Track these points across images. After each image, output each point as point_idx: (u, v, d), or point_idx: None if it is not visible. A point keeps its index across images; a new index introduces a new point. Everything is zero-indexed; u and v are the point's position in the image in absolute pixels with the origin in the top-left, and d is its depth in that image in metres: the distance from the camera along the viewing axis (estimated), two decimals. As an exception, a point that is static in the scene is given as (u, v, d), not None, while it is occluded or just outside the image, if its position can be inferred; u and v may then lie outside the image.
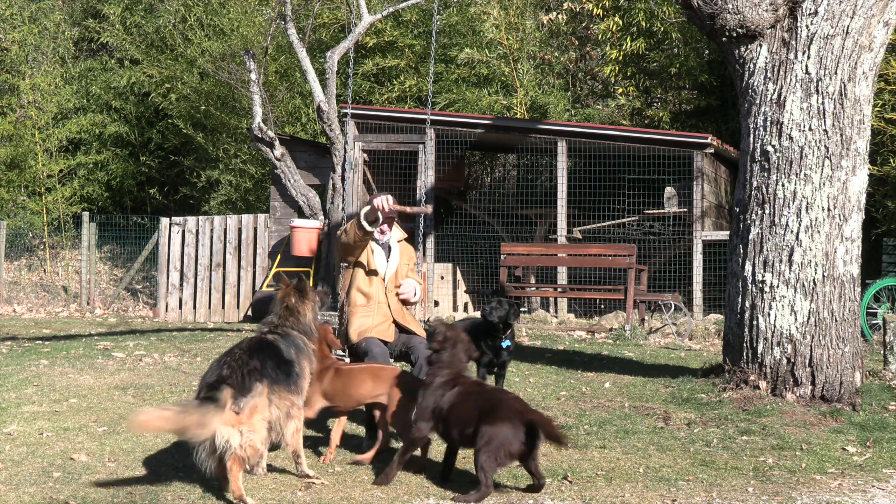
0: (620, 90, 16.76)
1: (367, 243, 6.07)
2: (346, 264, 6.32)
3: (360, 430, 6.27)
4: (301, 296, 5.41)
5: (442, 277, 13.75)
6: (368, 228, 5.90)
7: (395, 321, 6.20)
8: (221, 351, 9.57)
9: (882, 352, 8.59)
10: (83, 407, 6.96)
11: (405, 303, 6.28)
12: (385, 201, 5.92)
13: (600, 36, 16.29)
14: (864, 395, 7.01)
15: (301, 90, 16.89)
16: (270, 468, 5.34)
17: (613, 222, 13.69)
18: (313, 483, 5.16)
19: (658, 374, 8.19)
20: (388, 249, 6.33)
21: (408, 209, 6.29)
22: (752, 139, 7.14)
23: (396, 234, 6.42)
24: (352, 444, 6.07)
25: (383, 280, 6.23)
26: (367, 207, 5.99)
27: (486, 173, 18.43)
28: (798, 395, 6.84)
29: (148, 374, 8.32)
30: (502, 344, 6.72)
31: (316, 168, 14.22)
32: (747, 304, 7.01)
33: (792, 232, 6.89)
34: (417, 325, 6.32)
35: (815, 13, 6.97)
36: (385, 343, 6.11)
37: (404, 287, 6.22)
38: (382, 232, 6.30)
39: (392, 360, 6.21)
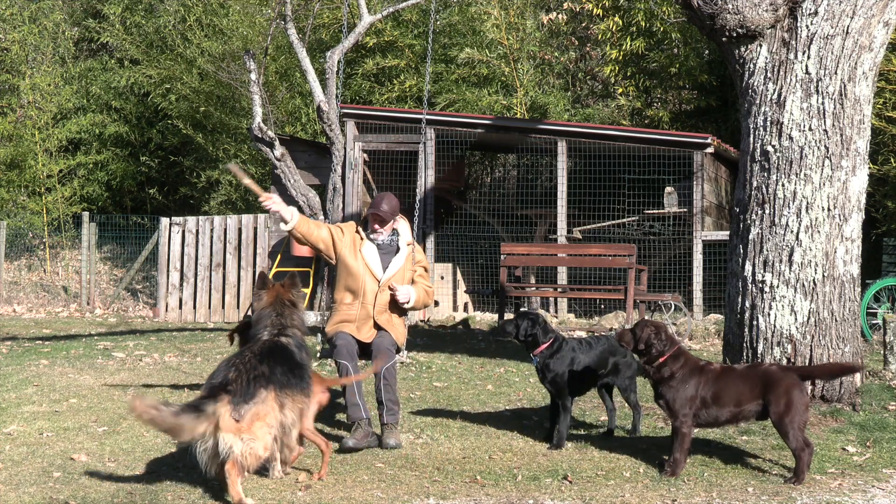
0: (620, 90, 16.76)
1: (304, 238, 6.34)
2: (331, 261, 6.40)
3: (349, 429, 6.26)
4: (294, 289, 5.45)
5: (442, 277, 13.75)
6: (281, 227, 6.37)
7: (375, 323, 6.16)
8: (221, 351, 9.62)
9: (882, 352, 8.59)
10: (83, 407, 6.95)
11: (402, 305, 6.24)
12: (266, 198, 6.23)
13: (600, 36, 16.28)
14: (864, 395, 7.01)
15: (301, 90, 16.88)
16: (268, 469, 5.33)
17: (613, 222, 13.69)
18: (309, 484, 5.16)
19: (658, 374, 8.17)
20: (394, 251, 6.30)
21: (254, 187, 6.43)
22: (752, 139, 7.14)
23: (406, 236, 6.38)
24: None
25: (378, 280, 6.19)
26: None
27: (486, 173, 18.43)
28: (798, 395, 6.83)
29: (148, 374, 8.32)
30: (534, 360, 6.22)
31: (316, 168, 14.22)
32: (747, 304, 7.01)
33: (792, 232, 6.89)
34: (397, 329, 6.24)
35: (815, 13, 6.96)
36: (359, 342, 6.11)
37: (400, 292, 6.19)
38: (375, 231, 6.28)
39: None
